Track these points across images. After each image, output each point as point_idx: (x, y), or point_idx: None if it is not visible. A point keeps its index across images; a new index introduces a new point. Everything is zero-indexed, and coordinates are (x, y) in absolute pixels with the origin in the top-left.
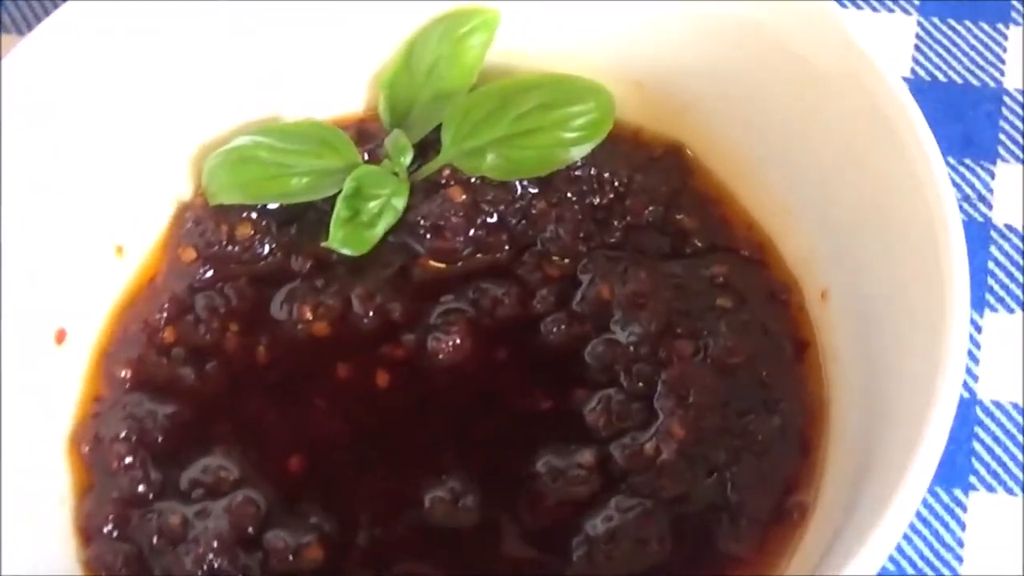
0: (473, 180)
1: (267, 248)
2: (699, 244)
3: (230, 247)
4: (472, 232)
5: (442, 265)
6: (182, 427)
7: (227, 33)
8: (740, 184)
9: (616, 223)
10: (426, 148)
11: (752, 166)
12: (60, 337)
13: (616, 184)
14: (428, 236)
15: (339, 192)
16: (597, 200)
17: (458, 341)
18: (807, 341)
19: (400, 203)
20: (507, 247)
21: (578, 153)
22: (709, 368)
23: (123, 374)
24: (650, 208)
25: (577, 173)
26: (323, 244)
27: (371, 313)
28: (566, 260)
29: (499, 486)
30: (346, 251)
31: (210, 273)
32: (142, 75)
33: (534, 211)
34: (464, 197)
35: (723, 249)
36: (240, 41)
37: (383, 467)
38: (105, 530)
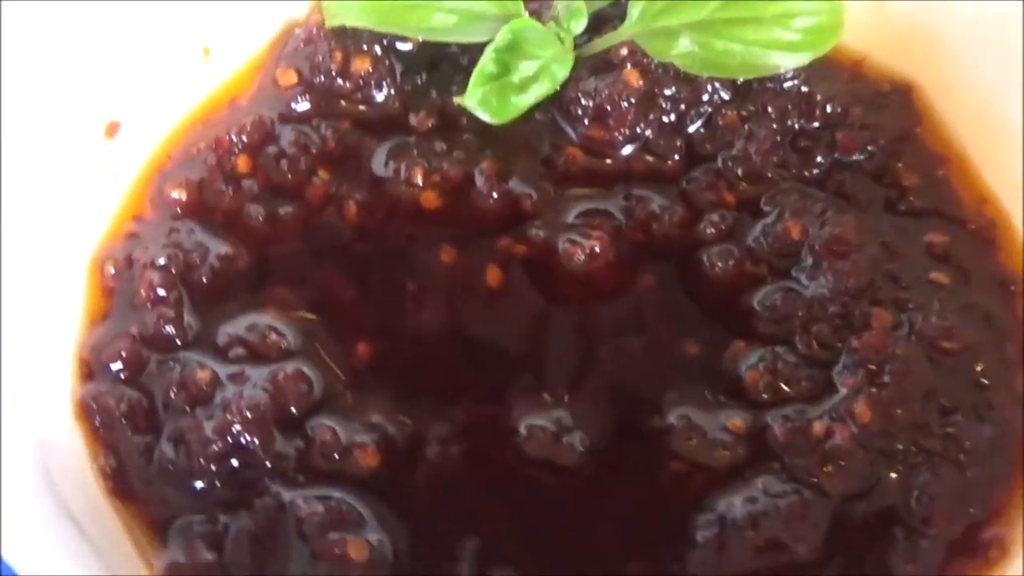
0: (654, 66)
1: (384, 91)
2: (917, 204)
3: (340, 80)
4: (640, 127)
5: (593, 158)
6: (235, 274)
7: None
8: (979, 145)
9: (820, 156)
10: (599, 22)
11: (1003, 125)
12: (111, 130)
13: (829, 111)
14: (586, 120)
15: (488, 42)
16: (801, 124)
17: (598, 249)
18: None
19: (561, 72)
20: (678, 155)
21: (792, 62)
22: (914, 347)
23: (176, 195)
24: (867, 149)
25: (784, 86)
26: (456, 100)
27: (495, 194)
28: (749, 185)
29: (617, 431)
30: (482, 115)
31: (308, 105)
32: None
33: (721, 120)
34: (640, 83)
35: (946, 217)
36: None
37: (474, 378)
38: (113, 367)
